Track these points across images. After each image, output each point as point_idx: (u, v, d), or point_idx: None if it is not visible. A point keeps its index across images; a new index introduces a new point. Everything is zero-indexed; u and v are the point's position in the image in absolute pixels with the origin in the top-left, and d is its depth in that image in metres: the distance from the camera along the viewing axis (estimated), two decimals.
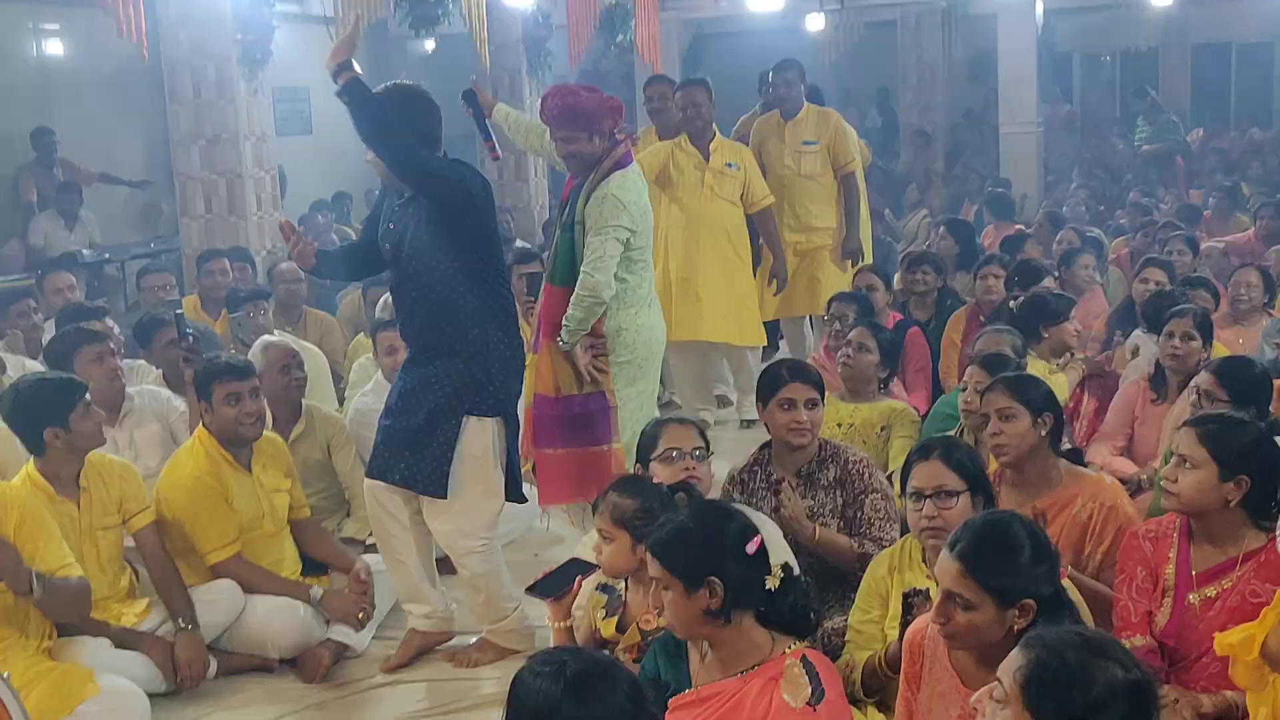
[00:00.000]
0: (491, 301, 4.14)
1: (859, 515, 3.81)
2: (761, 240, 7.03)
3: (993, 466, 3.75)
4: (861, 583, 3.42)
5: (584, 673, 2.16)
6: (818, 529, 3.72)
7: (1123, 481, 4.12)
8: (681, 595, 2.68)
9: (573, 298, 4.53)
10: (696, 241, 6.72)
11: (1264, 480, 3.08)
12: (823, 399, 3.98)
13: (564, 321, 4.54)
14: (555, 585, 3.37)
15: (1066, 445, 3.87)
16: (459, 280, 4.08)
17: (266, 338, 5.49)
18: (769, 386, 3.95)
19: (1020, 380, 3.77)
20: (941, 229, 7.93)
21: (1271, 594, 2.84)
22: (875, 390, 4.96)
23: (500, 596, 4.29)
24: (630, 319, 4.70)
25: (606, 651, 3.28)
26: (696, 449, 3.72)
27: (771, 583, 2.70)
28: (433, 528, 4.25)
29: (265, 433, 4.59)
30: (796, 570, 2.79)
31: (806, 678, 2.58)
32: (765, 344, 7.23)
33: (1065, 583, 2.75)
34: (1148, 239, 7.88)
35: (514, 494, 4.31)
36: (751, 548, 2.70)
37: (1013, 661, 2.12)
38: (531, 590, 3.41)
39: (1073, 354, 5.32)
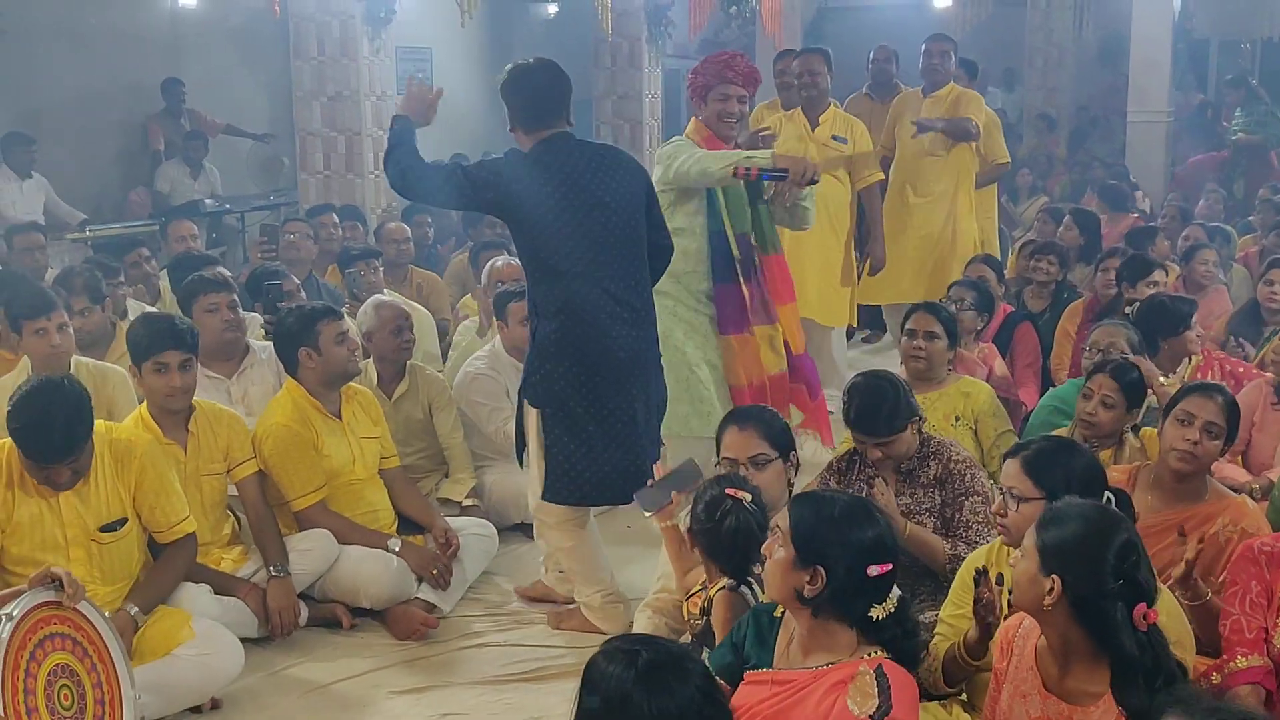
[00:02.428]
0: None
1: (957, 517, 3.74)
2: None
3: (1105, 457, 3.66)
4: (955, 577, 3.36)
5: (656, 663, 2.14)
6: (909, 526, 3.65)
7: (1233, 490, 3.99)
8: (789, 563, 2.61)
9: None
10: None
11: None
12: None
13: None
14: (655, 499, 3.53)
15: None
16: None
17: (379, 296, 5.55)
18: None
19: (1233, 404, 3.70)
20: (1066, 219, 7.70)
21: None
22: (944, 370, 4.78)
23: (582, 578, 4.31)
24: None
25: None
26: (758, 455, 3.58)
27: (877, 612, 2.57)
28: None
29: (355, 385, 4.68)
30: (910, 609, 2.66)
31: (876, 688, 2.49)
32: (852, 325, 7.02)
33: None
34: (1279, 239, 7.58)
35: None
36: (875, 570, 2.57)
37: None
38: (636, 497, 3.56)
39: (1191, 359, 5.10)
